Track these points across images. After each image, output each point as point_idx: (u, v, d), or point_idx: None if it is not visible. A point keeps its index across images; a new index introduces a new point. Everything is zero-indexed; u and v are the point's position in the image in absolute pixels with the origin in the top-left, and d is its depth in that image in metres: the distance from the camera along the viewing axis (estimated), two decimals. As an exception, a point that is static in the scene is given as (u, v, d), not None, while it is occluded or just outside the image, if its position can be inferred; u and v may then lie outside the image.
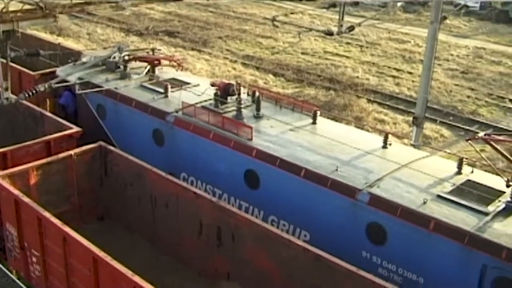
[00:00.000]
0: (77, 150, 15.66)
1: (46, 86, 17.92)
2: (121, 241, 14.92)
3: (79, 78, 19.37)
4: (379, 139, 15.31)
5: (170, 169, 15.91)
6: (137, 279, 10.69)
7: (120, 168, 15.64)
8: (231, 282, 13.16)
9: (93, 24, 45.39)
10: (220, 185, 15.95)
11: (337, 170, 13.78)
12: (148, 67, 20.00)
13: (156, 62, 20.20)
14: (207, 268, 13.75)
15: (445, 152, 20.72)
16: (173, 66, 20.85)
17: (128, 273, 10.87)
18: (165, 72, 20.21)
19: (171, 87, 18.14)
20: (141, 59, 20.44)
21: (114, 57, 20.23)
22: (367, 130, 20.77)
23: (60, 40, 34.93)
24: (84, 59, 21.09)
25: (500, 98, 32.13)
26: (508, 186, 12.15)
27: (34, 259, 13.78)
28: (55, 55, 23.02)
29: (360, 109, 28.90)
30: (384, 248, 12.79)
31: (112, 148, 15.96)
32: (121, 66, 19.89)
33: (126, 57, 20.23)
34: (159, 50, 22.18)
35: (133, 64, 20.25)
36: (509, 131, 26.39)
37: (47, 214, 12.73)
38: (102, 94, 18.62)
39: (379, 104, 30.42)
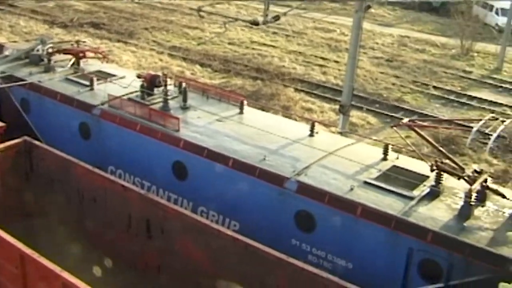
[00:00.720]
0: (1, 145, 15.25)
1: (-33, 80, 17.53)
2: (49, 237, 14.65)
3: (1, 72, 18.90)
4: (306, 128, 15.43)
5: (98, 162, 15.66)
6: (65, 274, 10.50)
7: (46, 163, 15.33)
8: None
9: (16, 16, 44.49)
10: (149, 177, 15.85)
11: (264, 159, 13.85)
12: (73, 59, 19.64)
13: (81, 54, 19.83)
14: (138, 261, 13.63)
15: (371, 139, 21.03)
16: (98, 59, 20.58)
17: (57, 269, 10.67)
18: (91, 64, 19.89)
19: (97, 80, 17.92)
20: (66, 51, 20.05)
21: (38, 50, 19.81)
22: (295, 119, 20.96)
23: (-19, 33, 34.17)
24: (6, 52, 20.61)
25: (424, 85, 32.88)
26: (432, 170, 12.41)
27: (-43, 260, 13.44)
28: (-25, 48, 22.49)
29: (288, 98, 29.11)
30: (313, 235, 12.94)
31: (37, 143, 15.60)
32: (45, 59, 19.47)
33: (50, 50, 19.81)
34: (84, 42, 21.86)
35: (57, 57, 19.87)
36: (433, 117, 27.01)
37: (-30, 212, 12.45)
38: (25, 88, 18.23)
39: (306, 93, 30.72)
